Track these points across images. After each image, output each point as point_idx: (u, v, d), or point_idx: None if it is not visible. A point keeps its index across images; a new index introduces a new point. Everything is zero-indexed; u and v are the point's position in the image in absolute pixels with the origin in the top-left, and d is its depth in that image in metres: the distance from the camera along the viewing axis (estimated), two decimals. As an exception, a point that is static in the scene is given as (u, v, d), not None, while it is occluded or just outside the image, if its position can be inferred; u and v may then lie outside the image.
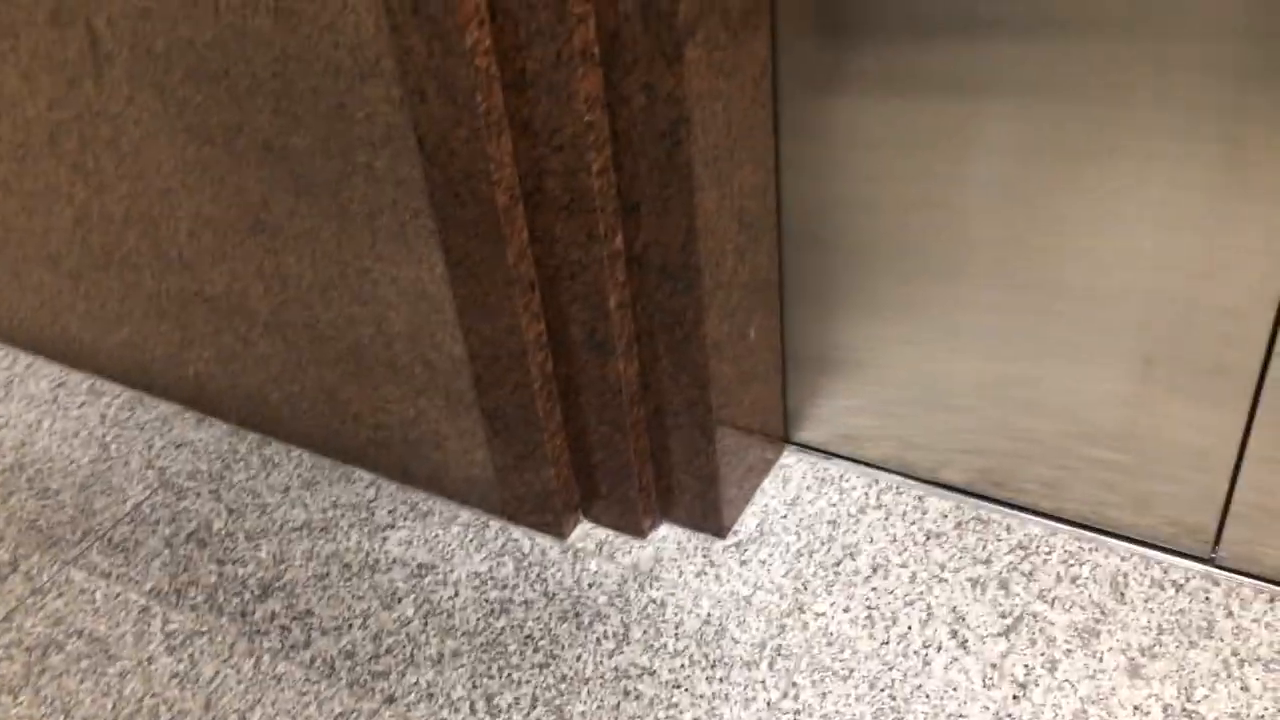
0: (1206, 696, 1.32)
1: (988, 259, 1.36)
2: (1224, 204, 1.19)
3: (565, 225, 1.31)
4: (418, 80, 1.21)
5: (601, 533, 1.63)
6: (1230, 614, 1.40)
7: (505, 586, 1.57)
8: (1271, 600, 1.41)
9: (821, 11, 1.27)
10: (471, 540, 1.65)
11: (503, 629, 1.51)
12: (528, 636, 1.50)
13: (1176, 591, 1.44)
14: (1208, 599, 1.42)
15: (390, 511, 1.72)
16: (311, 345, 1.65)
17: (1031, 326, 1.39)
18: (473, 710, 1.41)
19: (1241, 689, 1.32)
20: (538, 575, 1.58)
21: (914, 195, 1.36)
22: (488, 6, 1.14)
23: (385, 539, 1.68)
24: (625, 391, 1.45)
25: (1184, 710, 1.31)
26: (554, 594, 1.55)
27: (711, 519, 1.59)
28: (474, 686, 1.44)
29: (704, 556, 1.57)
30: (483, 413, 1.54)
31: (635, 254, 1.35)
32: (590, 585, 1.55)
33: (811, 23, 1.28)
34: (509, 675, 1.45)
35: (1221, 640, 1.37)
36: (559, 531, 1.62)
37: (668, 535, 1.61)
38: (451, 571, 1.61)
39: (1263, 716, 1.29)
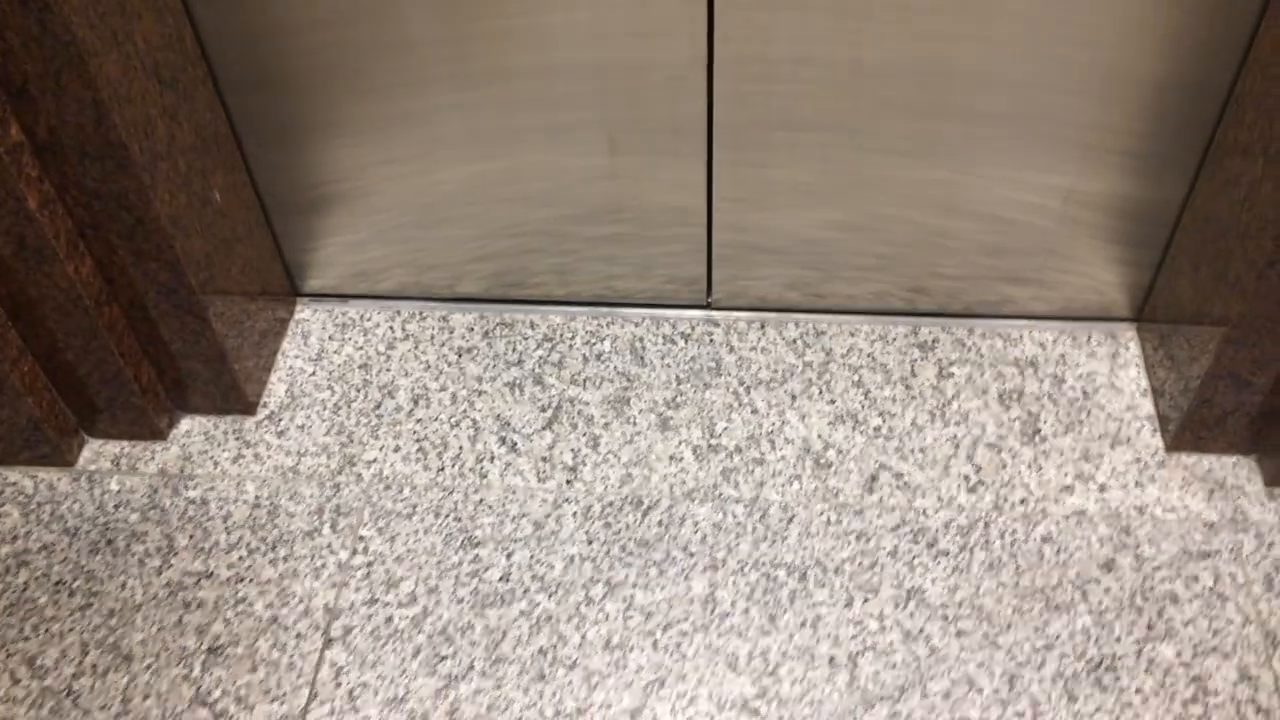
0: (726, 428, 1.45)
1: (438, 58, 1.31)
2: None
3: (-60, 124, 1.09)
4: None
5: (115, 447, 1.47)
6: (731, 349, 1.54)
7: (15, 538, 1.39)
8: (762, 326, 1.56)
9: None
10: (-38, 500, 1.43)
11: (25, 584, 1.35)
12: (58, 582, 1.34)
13: (685, 342, 1.55)
14: (711, 341, 1.55)
15: None
16: None
17: (499, 119, 1.37)
18: (15, 679, 1.26)
19: (751, 413, 1.47)
20: (51, 514, 1.41)
21: (344, 6, 1.26)
22: None
23: None
24: (85, 294, 1.28)
25: (710, 446, 1.43)
26: (76, 529, 1.39)
27: (235, 398, 1.48)
28: (8, 655, 1.29)
29: (237, 439, 1.48)
30: (-79, 359, 1.30)
31: (43, 142, 1.16)
32: (117, 507, 1.41)
33: None
34: (47, 630, 1.31)
35: (729, 374, 1.51)
36: (63, 461, 1.44)
37: (192, 428, 1.49)
38: (-53, 542, 1.40)
39: (771, 431, 1.45)
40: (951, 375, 1.49)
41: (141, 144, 1.18)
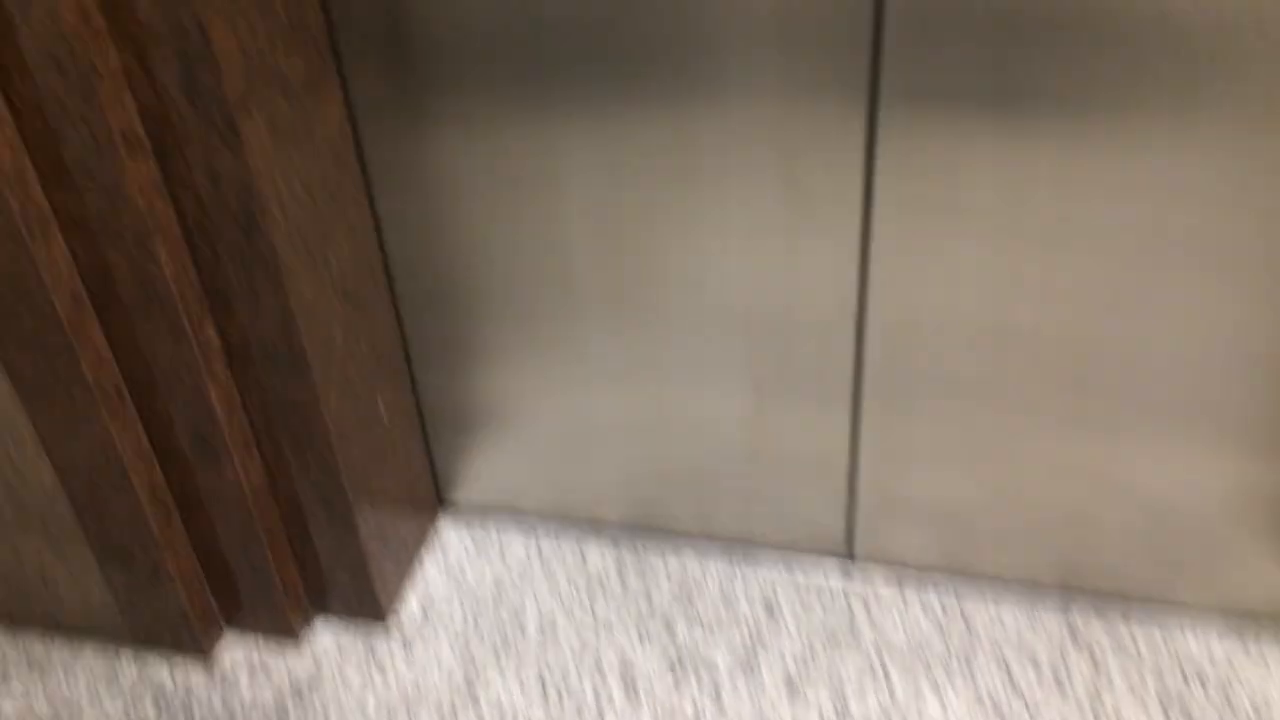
0: (858, 699, 1.38)
1: (596, 291, 1.38)
2: (794, 235, 1.26)
3: (145, 326, 1.20)
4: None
5: (251, 646, 1.50)
6: (868, 610, 1.48)
7: (144, 728, 1.41)
8: (901, 587, 1.50)
9: (392, 66, 1.24)
10: (101, 683, 1.47)
11: (143, 775, 1.36)
12: (174, 778, 1.35)
13: (821, 597, 1.50)
14: (847, 598, 1.50)
15: None
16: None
17: (649, 354, 1.42)
18: None
19: (886, 685, 1.39)
20: (183, 709, 1.43)
21: (517, 236, 1.35)
22: (2, 99, 1.02)
23: (-4, 698, 1.47)
24: (249, 493, 1.34)
25: (840, 715, 1.36)
26: (201, 725, 1.41)
27: (369, 606, 1.50)
28: None
29: (366, 651, 1.49)
30: (91, 540, 1.38)
31: (233, 346, 1.26)
32: (246, 708, 1.42)
33: (385, 79, 1.25)
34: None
35: (864, 637, 1.44)
36: (201, 654, 1.47)
37: (326, 634, 1.51)
38: (79, 721, 1.43)
39: (905, 707, 1.36)
40: (1106, 670, 1.38)
41: (320, 354, 1.26)
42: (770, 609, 1.49)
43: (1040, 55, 1.09)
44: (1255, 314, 1.19)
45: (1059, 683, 1.37)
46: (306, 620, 1.52)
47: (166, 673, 1.48)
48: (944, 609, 1.47)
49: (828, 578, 1.53)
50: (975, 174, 1.17)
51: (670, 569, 1.56)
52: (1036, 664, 1.40)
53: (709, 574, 1.55)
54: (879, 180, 1.21)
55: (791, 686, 1.39)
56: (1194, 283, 1.19)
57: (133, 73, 1.04)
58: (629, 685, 1.41)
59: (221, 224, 1.15)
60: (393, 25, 1.20)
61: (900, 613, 1.47)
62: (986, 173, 1.17)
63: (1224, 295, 1.19)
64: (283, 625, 1.49)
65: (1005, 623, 1.45)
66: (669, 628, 1.48)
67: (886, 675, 1.40)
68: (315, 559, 1.47)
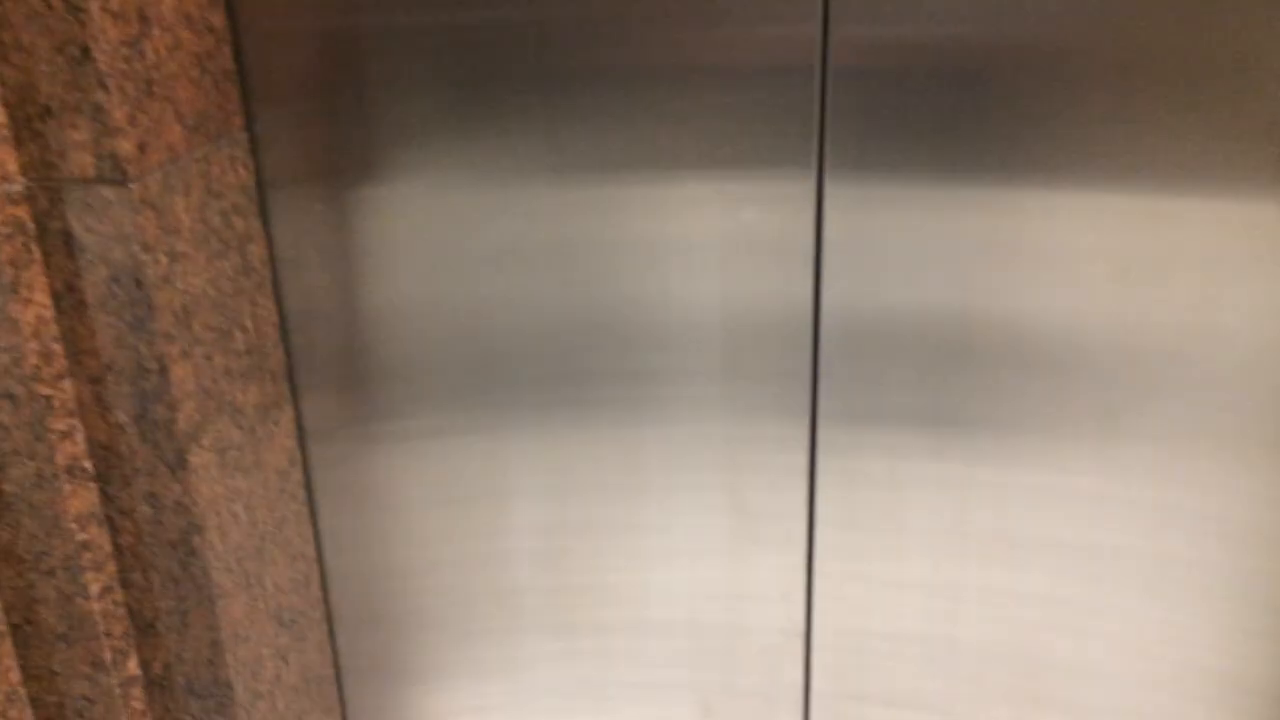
0: None
1: (539, 607, 1.35)
2: (739, 552, 1.27)
3: (65, 655, 1.13)
4: None
5: None
6: None
7: None
8: None
9: (345, 392, 1.25)
10: None
11: None
12: None
13: None
14: None
15: None
16: None
17: (591, 673, 1.38)
18: None
19: None
20: None
21: (460, 552, 1.33)
22: (-53, 432, 1.00)
23: None
24: (157, 836, 1.23)
25: None
26: None
27: None
28: None
29: None
30: None
31: (155, 677, 1.19)
32: None
33: (336, 404, 1.26)
34: None
35: None
36: None
37: None
38: None
39: None
40: None
41: (247, 684, 1.20)
42: None
43: (971, 381, 1.16)
44: (1192, 626, 1.22)
45: None
46: None
47: None
48: None
49: None
50: (915, 490, 1.21)
51: None
52: None
53: None
54: (820, 496, 1.24)
55: None
56: (1130, 596, 1.22)
57: (86, 405, 1.03)
58: None
59: (157, 551, 1.11)
60: (348, 355, 1.22)
61: None
62: (926, 489, 1.21)
63: (1166, 609, 1.22)
64: None
65: None
66: None
67: None
68: None
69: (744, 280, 1.16)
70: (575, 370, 1.21)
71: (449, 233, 1.18)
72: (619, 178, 1.13)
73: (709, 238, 1.15)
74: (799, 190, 1.12)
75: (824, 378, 1.19)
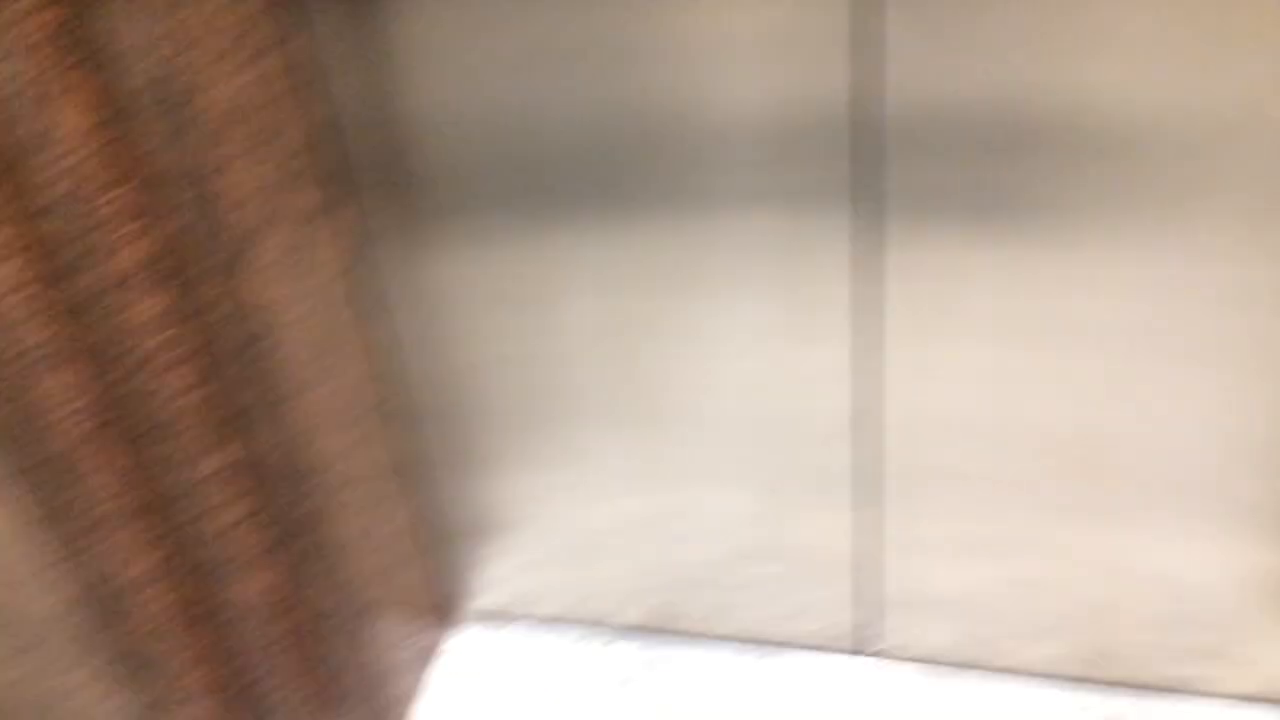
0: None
1: (600, 401, 1.38)
2: (795, 342, 1.27)
3: (163, 447, 1.20)
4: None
5: (266, 760, 1.48)
6: (888, 704, 1.46)
7: None
8: (927, 682, 1.48)
9: (400, 193, 1.25)
10: (116, 802, 1.45)
11: None
12: None
13: (840, 693, 1.48)
14: (868, 693, 1.48)
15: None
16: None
17: (662, 457, 1.42)
18: None
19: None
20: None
21: (521, 350, 1.36)
22: (18, 241, 1.03)
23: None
24: (263, 608, 1.33)
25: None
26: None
27: (384, 716, 1.49)
28: None
29: (382, 762, 1.47)
30: (105, 659, 1.37)
31: (250, 463, 1.26)
32: (259, 825, 1.40)
33: (392, 205, 1.26)
34: None
35: (891, 735, 1.43)
36: (216, 771, 1.46)
37: (341, 746, 1.49)
38: (95, 845, 1.41)
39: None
40: (1138, 758, 1.37)
41: (337, 469, 1.27)
42: (790, 708, 1.47)
43: (1036, 166, 1.11)
44: (1253, 399, 1.19)
45: (1089, 778, 1.36)
46: (322, 732, 1.50)
47: (182, 792, 1.46)
48: (965, 703, 1.46)
49: (847, 675, 1.51)
50: (979, 278, 1.18)
51: (688, 670, 1.55)
52: (1066, 759, 1.38)
53: (735, 670, 1.53)
54: (889, 286, 1.22)
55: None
56: (1194, 372, 1.20)
57: (143, 211, 1.05)
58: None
59: (233, 350, 1.15)
60: (401, 156, 1.22)
61: (921, 708, 1.45)
62: (989, 276, 1.18)
63: (1222, 383, 1.19)
64: (298, 739, 1.47)
65: (1028, 717, 1.43)
66: (691, 730, 1.47)
67: (914, 775, 1.38)
68: (330, 672, 1.45)
69: (791, 72, 1.11)
70: (625, 162, 1.19)
71: (490, 32, 1.14)
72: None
73: (756, 29, 1.09)
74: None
75: (889, 165, 1.14)
